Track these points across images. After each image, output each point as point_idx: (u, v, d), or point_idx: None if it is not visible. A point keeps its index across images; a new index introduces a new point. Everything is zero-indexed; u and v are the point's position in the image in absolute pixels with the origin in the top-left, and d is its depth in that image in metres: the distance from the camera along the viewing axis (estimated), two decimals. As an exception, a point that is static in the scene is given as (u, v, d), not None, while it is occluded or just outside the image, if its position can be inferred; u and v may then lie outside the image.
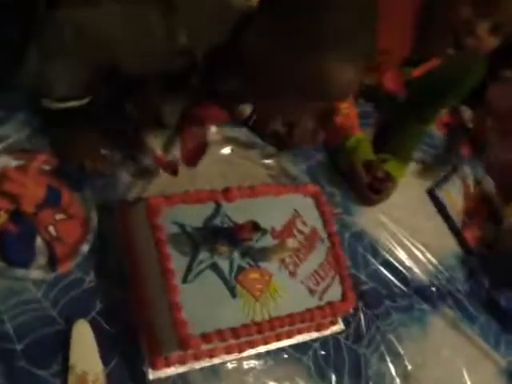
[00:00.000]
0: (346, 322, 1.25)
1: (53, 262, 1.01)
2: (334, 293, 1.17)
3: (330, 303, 1.15)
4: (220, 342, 1.02)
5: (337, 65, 0.91)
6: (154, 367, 1.02)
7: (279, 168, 1.33)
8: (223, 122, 1.30)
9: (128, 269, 1.07)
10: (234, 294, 1.05)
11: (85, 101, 1.08)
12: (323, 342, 1.21)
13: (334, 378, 1.20)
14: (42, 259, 1.01)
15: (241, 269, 1.08)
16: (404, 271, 1.40)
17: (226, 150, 1.29)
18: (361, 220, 1.41)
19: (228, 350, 1.09)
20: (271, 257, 1.09)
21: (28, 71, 1.04)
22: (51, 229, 1.04)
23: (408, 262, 1.42)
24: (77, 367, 0.97)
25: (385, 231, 1.42)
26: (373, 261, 1.37)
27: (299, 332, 1.17)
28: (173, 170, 1.17)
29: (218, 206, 1.11)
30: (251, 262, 1.10)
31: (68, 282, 1.02)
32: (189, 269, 1.03)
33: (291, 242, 1.08)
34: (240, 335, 1.03)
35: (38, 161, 1.06)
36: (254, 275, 1.09)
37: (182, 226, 1.06)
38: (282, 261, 1.13)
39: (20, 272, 0.97)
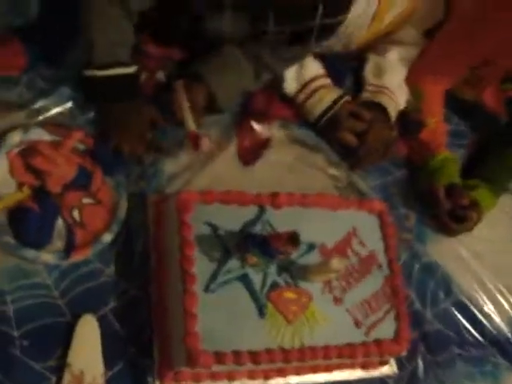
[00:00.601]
0: (400, 365, 1.07)
1: (69, 248, 0.93)
2: (386, 330, 1.00)
3: (378, 341, 0.98)
4: (236, 365, 0.89)
5: None
6: (163, 381, 0.92)
7: (347, 181, 1.18)
8: (289, 120, 1.18)
9: (151, 267, 0.96)
10: (262, 313, 0.92)
11: (131, 69, 1.00)
12: (368, 383, 1.05)
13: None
14: (59, 243, 0.93)
15: (275, 285, 0.94)
16: (480, 317, 1.18)
17: (289, 153, 1.16)
18: (435, 251, 1.21)
19: (251, 375, 0.96)
20: (310, 277, 0.95)
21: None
22: (75, 213, 0.96)
23: (487, 307, 1.20)
24: (74, 365, 0.88)
25: (463, 267, 1.21)
26: (444, 299, 1.18)
27: (340, 367, 1.02)
28: (195, 143, 1.05)
29: (262, 210, 0.98)
30: (289, 280, 0.95)
31: (83, 272, 0.94)
32: (214, 276, 0.91)
33: (336, 263, 0.93)
34: (261, 361, 0.89)
35: (73, 138, 0.98)
36: (290, 295, 0.95)
37: (214, 227, 0.94)
38: (328, 283, 0.98)
39: (31, 253, 0.90)
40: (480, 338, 1.17)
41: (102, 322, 0.91)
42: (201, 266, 0.91)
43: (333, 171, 1.19)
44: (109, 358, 0.90)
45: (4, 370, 0.85)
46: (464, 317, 1.18)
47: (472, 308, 1.19)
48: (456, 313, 1.17)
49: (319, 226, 1.01)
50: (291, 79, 1.19)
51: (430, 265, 1.19)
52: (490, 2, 1.13)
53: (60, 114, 1.01)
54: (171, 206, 0.96)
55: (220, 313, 0.89)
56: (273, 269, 0.95)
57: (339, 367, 1.01)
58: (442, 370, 1.11)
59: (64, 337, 0.89)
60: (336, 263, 0.92)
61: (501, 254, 1.25)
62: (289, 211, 1.00)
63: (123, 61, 1.00)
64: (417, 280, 1.17)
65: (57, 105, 1.01)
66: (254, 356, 0.89)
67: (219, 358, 0.86)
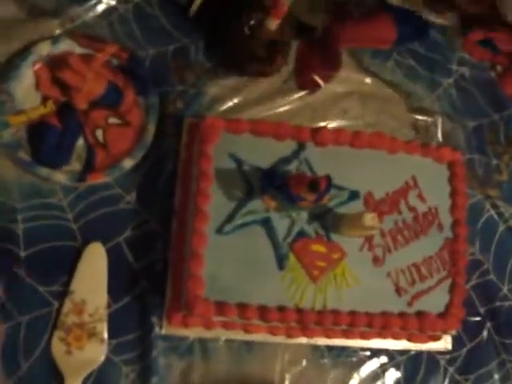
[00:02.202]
0: (459, 342, 0.92)
1: (87, 169, 0.86)
2: (435, 302, 0.85)
3: (421, 314, 0.83)
4: (241, 319, 0.80)
5: None
6: (170, 322, 0.85)
7: (430, 126, 1.00)
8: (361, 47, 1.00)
9: (176, 200, 0.88)
10: (281, 265, 0.81)
11: None
12: (413, 357, 0.91)
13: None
14: (77, 164, 0.87)
15: (302, 234, 0.82)
16: None
17: (359, 86, 0.99)
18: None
19: (272, 331, 0.86)
20: (342, 230, 0.81)
21: None
22: (99, 133, 0.88)
23: None
24: (77, 293, 0.84)
25: None
26: (530, 274, 0.99)
27: (381, 335, 0.89)
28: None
29: (301, 147, 0.85)
30: (320, 231, 0.83)
31: (102, 197, 0.87)
32: (231, 217, 0.81)
33: (370, 219, 0.78)
34: (271, 319, 0.78)
35: (107, 52, 0.90)
36: (318, 248, 0.82)
37: (239, 161, 0.83)
38: (369, 240, 0.84)
39: (45, 171, 0.84)
40: None
41: (115, 251, 0.85)
42: (217, 203, 0.81)
43: (414, 115, 1.00)
44: (115, 291, 0.84)
45: (7, 289, 0.82)
46: (550, 297, 0.98)
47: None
48: (541, 291, 0.98)
49: (369, 172, 0.86)
50: None
51: (520, 231, 1.00)
52: None
53: (97, 24, 0.93)
54: (198, 132, 0.86)
55: (231, 259, 0.79)
56: (303, 215, 0.82)
57: (379, 335, 0.88)
58: (510, 355, 0.94)
59: (72, 262, 0.84)
60: (370, 219, 0.77)
61: None
62: (334, 150, 0.86)
63: None
64: (497, 246, 0.98)
65: (93, 14, 0.93)
66: (264, 312, 0.78)
67: (221, 308, 0.77)
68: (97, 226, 0.86)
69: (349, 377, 0.89)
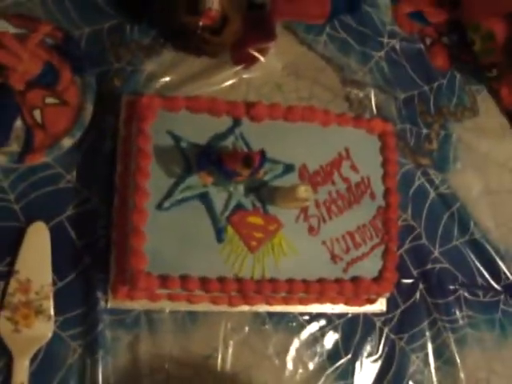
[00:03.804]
0: (392, 304, 0.97)
1: (25, 151, 0.87)
2: (369, 267, 0.89)
3: (356, 279, 0.88)
4: (183, 291, 0.83)
5: None
6: (116, 296, 0.87)
7: (363, 98, 1.04)
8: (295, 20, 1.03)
9: (115, 178, 0.89)
10: (220, 238, 0.84)
11: None
12: (350, 320, 0.96)
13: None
14: (15, 145, 0.87)
15: (240, 208, 0.85)
16: (498, 260, 1.04)
17: (293, 59, 1.01)
18: (456, 181, 1.06)
19: (214, 300, 0.89)
20: (278, 202, 0.85)
21: None
22: (37, 113, 0.88)
23: (509, 251, 1.06)
24: (21, 273, 0.85)
25: (485, 203, 1.06)
26: (457, 236, 1.04)
27: (318, 300, 0.93)
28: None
29: (237, 122, 0.87)
30: (257, 203, 0.86)
31: (42, 177, 0.88)
32: (169, 193, 0.83)
33: (304, 191, 0.81)
34: (212, 289, 0.82)
35: (41, 32, 0.89)
36: (255, 220, 0.85)
37: (177, 138, 0.85)
38: (304, 210, 0.88)
39: (-17, 153, 0.86)
40: (493, 282, 1.04)
41: (57, 230, 0.87)
42: (156, 180, 0.83)
43: (347, 89, 1.04)
44: (60, 268, 0.86)
45: None
46: (478, 257, 1.04)
47: (489, 249, 1.04)
48: (469, 252, 1.04)
49: (303, 145, 0.89)
50: None
51: (447, 196, 1.05)
52: None
53: (31, 1, 0.92)
54: (138, 109, 0.87)
55: (172, 233, 0.82)
56: (239, 189, 0.85)
57: (317, 301, 0.92)
58: (441, 314, 1.00)
59: (16, 243, 0.85)
60: (304, 191, 0.80)
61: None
62: (269, 125, 0.88)
63: None
64: (428, 212, 1.03)
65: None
66: (205, 283, 0.82)
67: (164, 281, 0.80)
68: (39, 205, 0.87)
69: (290, 341, 0.93)
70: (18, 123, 0.88)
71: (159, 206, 0.82)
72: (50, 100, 0.90)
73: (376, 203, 0.92)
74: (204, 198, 0.84)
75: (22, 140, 0.88)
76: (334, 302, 0.92)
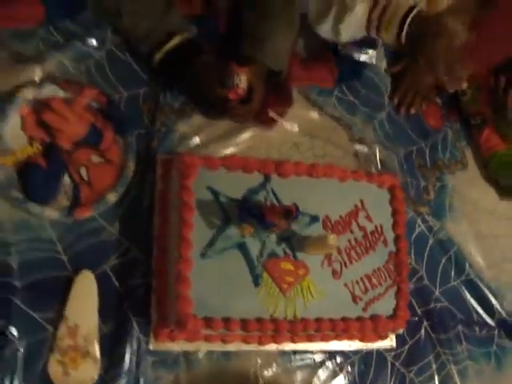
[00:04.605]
0: (401, 340, 1.08)
1: (73, 206, 0.95)
2: (385, 306, 1.01)
3: (374, 317, 0.99)
4: (226, 331, 0.91)
5: None
6: (157, 338, 0.94)
7: (369, 153, 1.16)
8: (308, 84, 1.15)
9: (155, 229, 0.98)
10: (257, 282, 0.93)
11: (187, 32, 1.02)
12: (365, 355, 1.06)
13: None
14: (64, 200, 0.95)
15: (273, 255, 0.95)
16: (491, 298, 1.17)
17: (308, 120, 1.13)
18: (452, 227, 1.19)
19: (245, 340, 0.98)
20: (307, 250, 0.95)
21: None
22: (83, 170, 0.97)
23: (500, 289, 1.19)
24: (70, 319, 0.92)
25: (479, 246, 1.20)
26: (454, 277, 1.16)
27: (337, 338, 1.02)
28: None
29: (267, 179, 0.98)
30: (287, 251, 0.96)
31: (87, 229, 0.96)
32: (212, 243, 0.92)
33: (333, 239, 0.92)
34: (251, 329, 0.91)
35: (86, 96, 0.99)
36: (286, 266, 0.95)
37: (216, 193, 0.94)
38: (328, 257, 0.98)
39: (36, 208, 0.92)
40: (487, 318, 1.16)
41: (102, 279, 0.94)
42: (199, 231, 0.92)
43: (354, 145, 1.16)
44: (105, 314, 0.93)
45: (5, 318, 0.89)
46: (473, 296, 1.17)
47: (483, 288, 1.17)
48: (466, 292, 1.16)
49: (325, 198, 1.00)
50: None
51: (445, 241, 1.18)
52: None
53: (76, 69, 1.01)
54: (176, 168, 0.97)
55: (215, 279, 0.91)
56: (272, 238, 0.95)
57: (336, 338, 1.02)
58: (444, 348, 1.11)
59: (64, 290, 0.92)
60: (333, 239, 0.91)
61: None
62: (295, 181, 0.99)
63: (173, 29, 1.01)
64: (429, 255, 1.15)
65: (72, 60, 1.01)
66: (245, 324, 0.91)
67: (209, 323, 0.89)
68: (84, 255, 0.95)
69: (313, 376, 1.03)
70: (66, 180, 0.96)
71: (202, 255, 0.91)
72: (95, 158, 0.99)
73: (388, 249, 1.03)
74: (242, 247, 0.93)
75: (70, 195, 0.96)
76: (352, 338, 1.02)
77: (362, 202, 1.03)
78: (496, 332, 1.16)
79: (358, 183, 1.03)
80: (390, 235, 1.04)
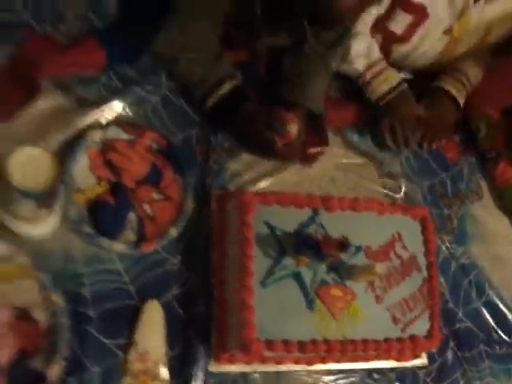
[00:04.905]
0: (431, 358, 1.18)
1: (140, 239, 1.03)
2: (420, 327, 1.10)
3: (412, 337, 1.08)
4: (285, 353, 1.00)
5: None
6: (218, 361, 1.03)
7: (397, 187, 1.28)
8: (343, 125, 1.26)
9: (213, 260, 1.07)
10: (310, 307, 1.02)
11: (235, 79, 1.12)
12: (400, 373, 1.15)
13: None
14: (130, 234, 1.04)
15: (324, 283, 1.04)
16: (509, 316, 1.29)
17: (343, 157, 1.25)
18: (474, 252, 1.31)
19: (297, 361, 1.06)
20: (355, 277, 1.04)
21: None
22: (146, 207, 1.06)
23: (517, 309, 1.31)
24: (140, 345, 0.99)
25: (499, 269, 1.32)
26: (476, 299, 1.27)
27: (377, 357, 1.12)
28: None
29: (315, 213, 1.07)
30: (336, 278, 1.05)
31: (151, 261, 1.04)
32: (270, 272, 1.01)
33: (380, 268, 1.02)
34: (307, 350, 0.99)
35: (147, 138, 1.08)
36: (336, 292, 1.04)
37: (272, 227, 1.03)
38: (371, 283, 1.08)
39: (106, 242, 1.00)
40: (506, 337, 1.27)
41: (167, 307, 1.02)
42: (259, 262, 1.01)
43: (384, 180, 1.28)
44: (171, 339, 1.01)
45: (80, 345, 0.96)
46: (493, 316, 1.28)
47: (503, 309, 1.29)
48: (485, 312, 1.28)
49: (366, 230, 1.10)
50: (360, 57, 1.27)
51: (467, 266, 1.29)
52: None
53: (135, 113, 1.10)
54: (234, 204, 1.06)
55: (274, 305, 1.00)
56: (322, 267, 1.04)
57: (376, 358, 1.11)
58: (470, 365, 1.21)
59: (133, 318, 1.00)
60: (379, 267, 1.01)
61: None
62: (340, 214, 1.09)
63: (224, 75, 1.11)
64: (452, 280, 1.26)
65: (131, 104, 1.10)
66: (302, 346, 0.99)
67: (270, 346, 0.97)
68: (150, 286, 1.03)
69: (356, 393, 1.12)
70: (132, 216, 1.05)
71: (262, 284, 1.00)
72: (156, 196, 1.08)
73: (421, 275, 1.13)
74: (296, 275, 1.02)
75: (135, 230, 1.04)
76: (391, 357, 1.11)
77: (398, 232, 1.13)
78: (512, 349, 1.28)
79: (394, 215, 1.14)
80: (422, 262, 1.14)
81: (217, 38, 1.11)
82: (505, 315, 1.29)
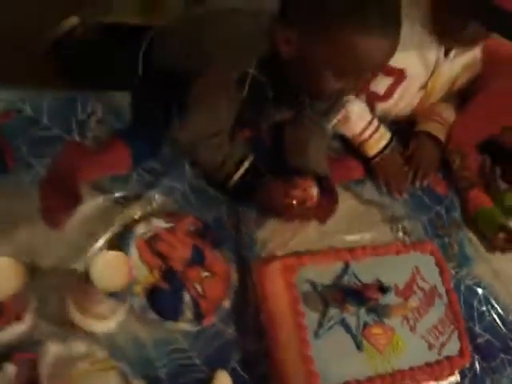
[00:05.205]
0: (463, 374, 1.31)
1: (198, 317, 1.13)
2: (452, 347, 1.25)
3: (448, 358, 1.23)
4: (347, 394, 1.12)
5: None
6: (286, 414, 1.14)
7: (401, 227, 1.43)
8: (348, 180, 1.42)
9: (264, 322, 1.18)
10: (360, 348, 1.15)
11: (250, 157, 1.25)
12: (439, 393, 1.29)
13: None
14: (188, 313, 1.14)
15: (366, 324, 1.17)
16: (517, 324, 1.47)
17: (353, 209, 1.40)
18: (477, 273, 1.48)
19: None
20: (394, 314, 1.18)
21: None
22: (197, 286, 1.16)
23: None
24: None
25: (499, 283, 1.49)
26: (487, 313, 1.43)
27: (422, 381, 1.24)
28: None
29: (347, 265, 1.22)
30: (376, 318, 1.19)
31: (212, 334, 1.14)
32: (320, 325, 1.14)
33: (413, 301, 1.17)
34: (365, 388, 1.13)
35: (185, 223, 1.19)
36: (377, 330, 1.18)
37: (313, 284, 1.17)
38: (404, 316, 1.22)
39: (171, 325, 1.10)
40: (517, 342, 1.44)
41: (232, 374, 1.12)
42: (308, 317, 1.13)
43: (388, 223, 1.44)
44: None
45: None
46: (504, 326, 1.43)
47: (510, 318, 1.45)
48: (499, 323, 1.43)
49: (391, 271, 1.25)
50: (358, 118, 1.43)
51: (474, 285, 1.45)
52: None
53: (168, 201, 1.22)
54: (275, 269, 1.18)
55: (329, 353, 1.12)
56: (363, 311, 1.17)
57: (419, 382, 1.24)
58: (496, 374, 1.36)
59: (204, 389, 1.11)
60: (412, 302, 1.16)
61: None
62: (366, 261, 1.23)
63: (241, 156, 1.25)
64: (464, 300, 1.41)
65: (163, 195, 1.22)
66: (360, 384, 1.12)
67: (334, 390, 1.10)
68: (214, 357, 1.13)
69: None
70: (186, 296, 1.15)
71: (316, 336, 1.12)
72: (204, 274, 1.18)
73: (443, 302, 1.29)
74: (343, 322, 1.15)
75: (192, 309, 1.14)
76: (432, 379, 1.24)
77: (417, 268, 1.29)
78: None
79: (409, 254, 1.29)
80: (442, 290, 1.30)
81: (231, 120, 1.24)
82: (512, 323, 1.46)
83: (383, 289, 1.11)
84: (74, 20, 1.56)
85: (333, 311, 1.15)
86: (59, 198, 1.14)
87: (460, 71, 1.47)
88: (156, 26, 1.36)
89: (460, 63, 1.45)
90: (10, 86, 1.20)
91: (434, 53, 1.41)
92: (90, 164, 1.18)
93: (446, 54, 1.42)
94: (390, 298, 1.20)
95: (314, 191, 1.25)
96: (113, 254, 0.98)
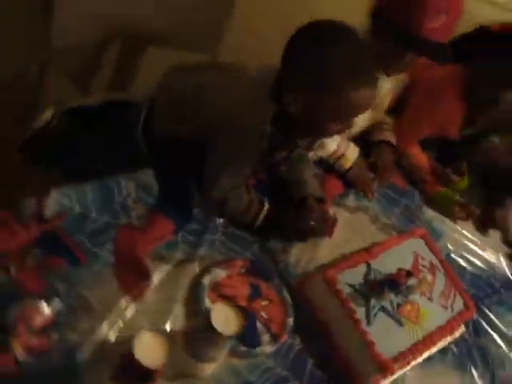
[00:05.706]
0: (466, 324, 1.64)
1: (274, 338, 1.37)
2: (459, 304, 1.58)
3: (459, 313, 1.55)
4: (403, 361, 1.40)
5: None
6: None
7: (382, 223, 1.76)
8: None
9: (319, 326, 1.44)
10: (401, 324, 1.44)
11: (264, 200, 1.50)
12: (455, 343, 1.60)
13: (471, 366, 1.60)
14: (266, 337, 1.37)
15: (398, 305, 1.46)
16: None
17: (351, 218, 1.70)
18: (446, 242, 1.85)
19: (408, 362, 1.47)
20: (416, 291, 1.48)
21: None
22: (263, 313, 1.40)
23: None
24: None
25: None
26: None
27: (446, 335, 1.55)
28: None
29: (368, 265, 1.50)
30: (403, 299, 1.48)
31: (286, 349, 1.38)
32: (367, 315, 1.41)
33: (429, 278, 1.48)
34: (415, 352, 1.41)
35: (236, 266, 1.43)
36: (408, 307, 1.48)
37: (351, 285, 1.44)
38: (421, 292, 1.52)
39: (257, 351, 1.33)
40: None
41: (311, 377, 1.37)
42: (358, 312, 1.40)
43: (381, 220, 1.77)
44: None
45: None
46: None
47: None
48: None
49: (400, 258, 1.55)
50: (331, 140, 1.71)
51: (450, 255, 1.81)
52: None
53: (213, 251, 1.44)
54: (318, 281, 1.43)
55: (381, 334, 1.40)
56: (393, 296, 1.46)
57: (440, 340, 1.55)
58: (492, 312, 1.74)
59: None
60: (429, 277, 1.46)
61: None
62: (380, 257, 1.52)
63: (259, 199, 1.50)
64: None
65: (208, 248, 1.44)
66: (411, 350, 1.41)
67: (397, 361, 1.37)
68: (294, 366, 1.36)
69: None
70: (258, 324, 1.38)
71: (368, 323, 1.39)
72: (264, 303, 1.41)
73: (441, 271, 1.60)
74: (382, 308, 1.43)
75: (266, 333, 1.37)
76: (454, 331, 1.55)
77: (415, 252, 1.60)
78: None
79: (406, 241, 1.60)
80: (436, 263, 1.62)
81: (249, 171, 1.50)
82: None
83: (410, 274, 1.41)
84: (48, 114, 1.71)
85: (373, 302, 1.43)
86: (132, 275, 1.34)
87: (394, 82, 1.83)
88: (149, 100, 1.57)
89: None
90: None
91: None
92: (144, 240, 1.39)
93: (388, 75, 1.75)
94: (410, 280, 1.51)
95: (331, 211, 1.53)
96: (223, 304, 1.20)
